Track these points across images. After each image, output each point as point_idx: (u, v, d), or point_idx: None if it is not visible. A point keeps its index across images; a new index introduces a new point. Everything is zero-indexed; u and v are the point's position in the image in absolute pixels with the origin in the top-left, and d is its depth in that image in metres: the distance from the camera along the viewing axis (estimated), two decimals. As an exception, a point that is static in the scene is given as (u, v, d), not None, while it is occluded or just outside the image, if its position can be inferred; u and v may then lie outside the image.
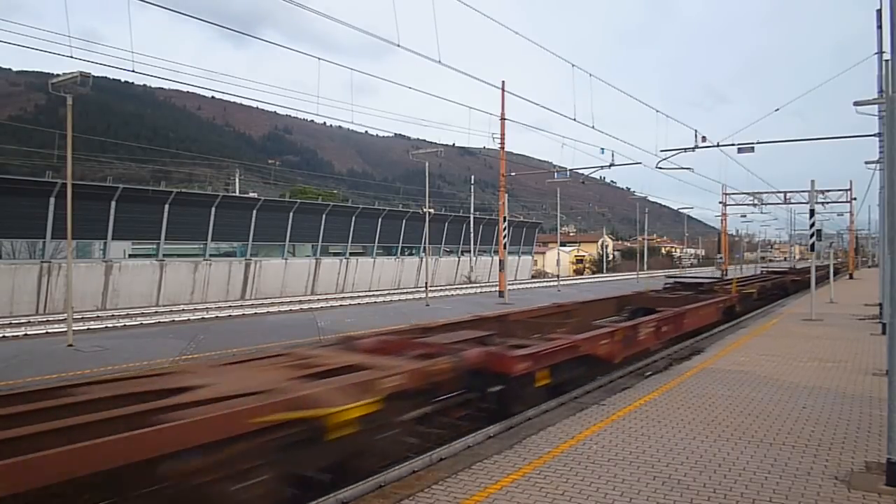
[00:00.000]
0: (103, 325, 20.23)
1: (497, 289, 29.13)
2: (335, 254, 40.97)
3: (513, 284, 36.04)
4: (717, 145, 27.13)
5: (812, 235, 18.99)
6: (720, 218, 60.14)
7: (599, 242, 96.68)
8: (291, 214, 37.02)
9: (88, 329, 18.98)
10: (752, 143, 26.67)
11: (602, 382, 10.65)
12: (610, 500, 4.81)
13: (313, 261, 38.99)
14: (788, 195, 52.73)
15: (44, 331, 18.52)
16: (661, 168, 29.88)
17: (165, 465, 4.09)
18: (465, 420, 8.40)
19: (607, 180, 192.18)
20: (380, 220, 43.05)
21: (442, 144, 40.48)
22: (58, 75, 13.78)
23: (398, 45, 17.24)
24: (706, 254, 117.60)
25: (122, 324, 20.58)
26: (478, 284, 45.93)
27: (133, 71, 15.34)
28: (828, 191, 52.11)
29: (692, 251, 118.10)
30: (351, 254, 41.41)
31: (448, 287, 43.27)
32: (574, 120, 24.57)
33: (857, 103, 13.40)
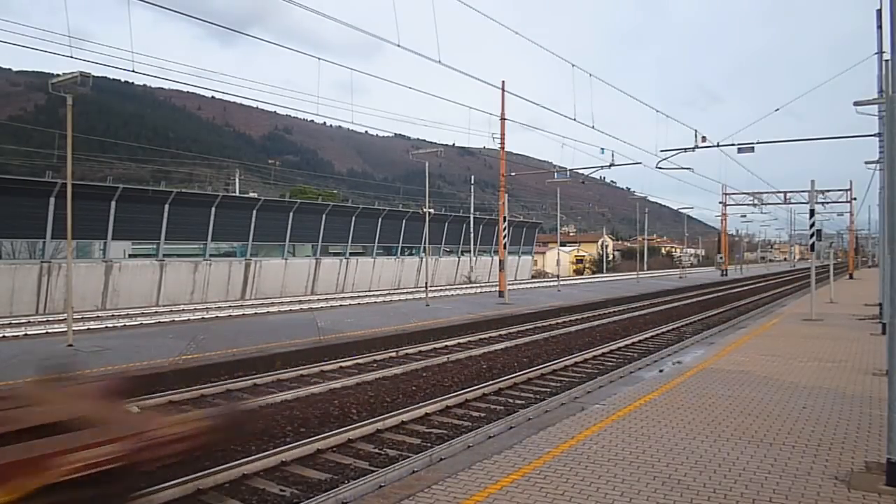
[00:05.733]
0: (103, 325, 20.21)
1: (497, 289, 29.11)
2: (335, 254, 40.95)
3: (513, 284, 36.03)
4: (717, 145, 27.11)
5: (812, 235, 18.98)
6: (720, 218, 60.31)
7: (599, 242, 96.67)
8: (291, 214, 37.01)
9: (88, 329, 18.97)
10: (752, 143, 26.63)
11: (602, 382, 10.66)
12: (610, 500, 4.81)
13: (313, 261, 38.98)
14: (788, 195, 52.81)
15: (44, 331, 18.51)
16: (661, 168, 29.89)
17: None
18: (465, 419, 8.39)
19: (607, 180, 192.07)
20: (380, 220, 43.04)
21: (442, 144, 40.46)
22: (58, 75, 13.75)
23: (398, 45, 17.24)
24: (706, 254, 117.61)
25: (122, 324, 20.55)
26: (478, 284, 45.90)
27: (133, 71, 15.35)
28: (828, 191, 52.17)
29: (692, 251, 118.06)
30: (351, 254, 41.39)
31: (448, 287, 43.24)
32: (574, 120, 24.59)
33: (857, 103, 13.41)
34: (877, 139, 18.46)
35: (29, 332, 18.13)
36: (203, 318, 22.73)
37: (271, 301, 30.84)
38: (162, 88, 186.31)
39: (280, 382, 11.43)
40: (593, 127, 26.05)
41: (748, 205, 56.44)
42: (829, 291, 26.17)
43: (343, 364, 12.99)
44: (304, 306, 27.21)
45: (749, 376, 9.63)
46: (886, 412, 5.03)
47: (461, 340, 16.32)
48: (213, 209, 32.88)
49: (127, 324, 20.52)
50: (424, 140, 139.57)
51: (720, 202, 57.81)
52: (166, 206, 30.72)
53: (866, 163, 23.03)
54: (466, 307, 23.58)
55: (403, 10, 18.08)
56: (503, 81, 27.10)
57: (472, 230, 50.77)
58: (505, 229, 28.33)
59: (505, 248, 28.60)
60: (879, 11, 14.63)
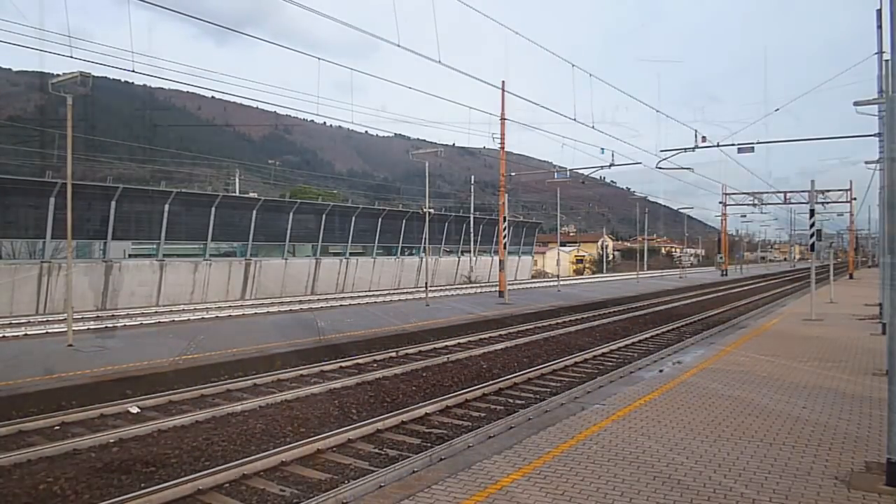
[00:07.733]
0: (103, 325, 20.20)
1: (497, 289, 29.12)
2: (335, 254, 40.93)
3: (513, 284, 36.03)
4: (717, 145, 27.10)
5: (812, 235, 18.97)
6: (720, 218, 60.33)
7: (599, 242, 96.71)
8: (291, 214, 37.00)
9: (88, 329, 18.96)
10: (752, 143, 26.61)
11: (602, 382, 10.66)
12: (610, 499, 4.81)
13: (313, 261, 38.96)
14: (788, 195, 52.86)
15: (44, 331, 18.50)
16: (661, 168, 29.91)
17: None
18: (465, 419, 8.39)
19: (607, 180, 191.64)
20: (380, 220, 43.02)
21: (442, 144, 40.50)
22: (58, 75, 13.75)
23: (398, 45, 17.25)
24: (706, 254, 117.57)
25: (122, 324, 20.55)
26: (478, 284, 45.89)
27: (133, 71, 15.36)
28: (828, 191, 52.23)
29: (692, 251, 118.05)
30: (351, 254, 41.38)
31: (448, 287, 43.22)
32: (574, 120, 24.62)
33: (857, 103, 13.39)
34: (877, 139, 18.47)
35: (29, 332, 18.13)
36: (203, 318, 22.74)
37: (271, 301, 30.83)
38: (162, 88, 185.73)
39: (280, 382, 11.43)
40: (593, 127, 26.16)
41: (748, 205, 56.54)
42: (829, 291, 26.17)
43: (343, 364, 12.99)
44: (304, 306, 27.22)
45: (749, 376, 9.63)
46: (886, 412, 5.03)
47: (461, 340, 16.32)
48: (213, 209, 32.87)
49: (127, 324, 20.52)
50: (424, 140, 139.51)
51: (720, 202, 57.91)
52: (166, 206, 30.71)
53: (866, 163, 23.07)
54: (466, 307, 23.59)
55: (403, 9, 18.10)
56: (503, 81, 27.12)
57: (472, 230, 50.77)
58: (505, 229, 28.34)
59: (505, 248, 28.60)
60: (879, 11, 14.62)
